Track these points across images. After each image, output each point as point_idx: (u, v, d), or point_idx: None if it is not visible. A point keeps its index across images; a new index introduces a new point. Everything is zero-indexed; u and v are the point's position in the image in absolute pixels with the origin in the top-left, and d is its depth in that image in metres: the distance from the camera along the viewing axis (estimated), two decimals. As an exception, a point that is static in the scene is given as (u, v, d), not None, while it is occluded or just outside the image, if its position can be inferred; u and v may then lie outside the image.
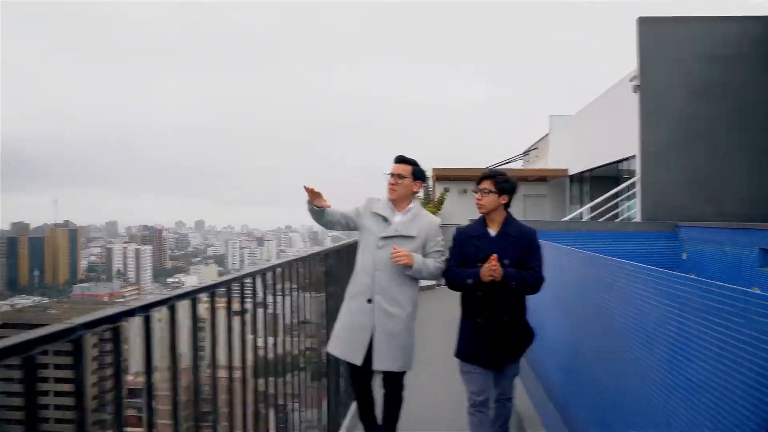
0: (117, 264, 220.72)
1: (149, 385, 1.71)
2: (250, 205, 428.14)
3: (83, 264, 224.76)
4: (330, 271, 4.60)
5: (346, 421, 4.93)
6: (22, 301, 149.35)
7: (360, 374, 4.12)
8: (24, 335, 1.30)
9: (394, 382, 4.12)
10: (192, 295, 2.08)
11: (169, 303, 1.90)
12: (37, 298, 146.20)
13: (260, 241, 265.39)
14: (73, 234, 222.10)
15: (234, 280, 2.48)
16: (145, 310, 1.78)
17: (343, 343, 4.02)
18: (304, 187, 4.02)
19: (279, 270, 3.22)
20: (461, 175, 19.98)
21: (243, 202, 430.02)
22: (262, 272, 2.90)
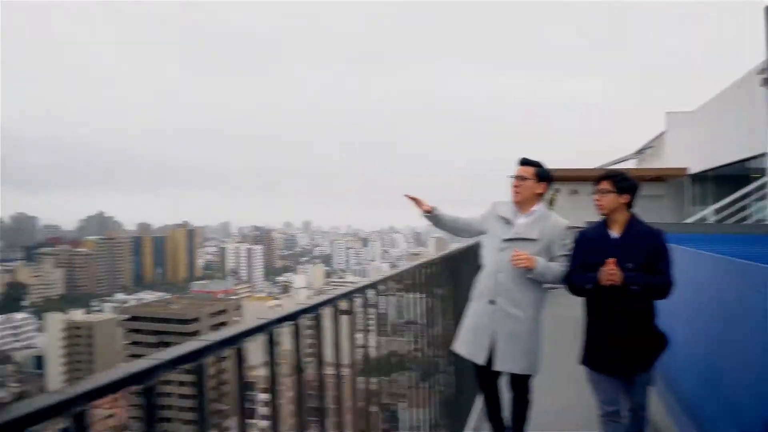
0: (230, 262, 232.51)
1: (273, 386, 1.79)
2: (356, 205, 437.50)
3: (200, 262, 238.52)
4: (455, 273, 4.71)
5: (473, 421, 5.01)
6: (147, 296, 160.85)
7: (485, 374, 4.18)
8: (195, 343, 1.44)
9: (520, 384, 4.14)
10: (331, 303, 2.30)
11: (314, 311, 2.09)
12: (160, 294, 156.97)
13: (365, 242, 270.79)
14: (191, 234, 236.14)
15: (361, 289, 2.57)
16: (295, 317, 1.94)
17: (468, 343, 4.12)
18: (406, 196, 4.19)
19: (400, 278, 3.27)
20: (571, 176, 19.35)
21: (348, 202, 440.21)
22: (386, 281, 2.92)
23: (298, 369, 1.92)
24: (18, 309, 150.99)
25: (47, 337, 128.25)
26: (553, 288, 4.19)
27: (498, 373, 4.15)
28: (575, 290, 3.77)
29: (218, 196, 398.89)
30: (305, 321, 1.99)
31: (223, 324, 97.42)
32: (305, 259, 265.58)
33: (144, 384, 1.22)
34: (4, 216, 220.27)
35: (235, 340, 1.58)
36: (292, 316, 1.92)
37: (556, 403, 5.44)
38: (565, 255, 3.93)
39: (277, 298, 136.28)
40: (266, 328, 1.73)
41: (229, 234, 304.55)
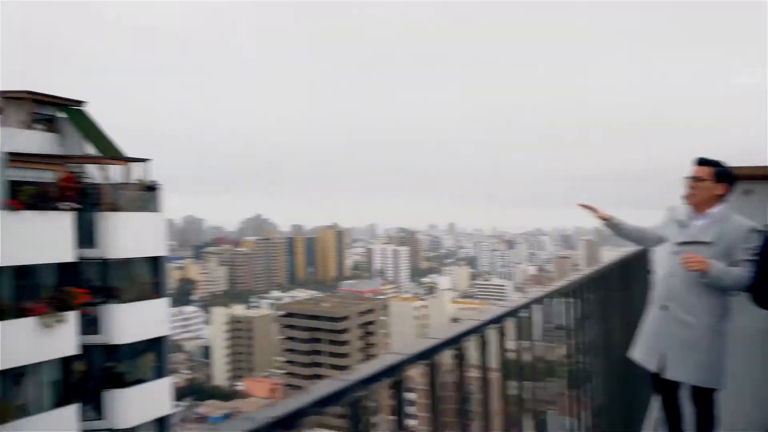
0: (377, 263, 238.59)
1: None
2: (501, 206, 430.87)
3: (348, 262, 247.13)
4: (626, 277, 4.71)
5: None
6: (300, 293, 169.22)
7: (662, 384, 4.03)
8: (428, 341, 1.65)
9: (701, 398, 3.87)
10: (513, 314, 2.37)
11: (499, 322, 2.20)
12: (312, 292, 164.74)
13: (510, 244, 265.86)
14: (340, 235, 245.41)
15: (539, 299, 2.61)
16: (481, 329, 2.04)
17: (642, 349, 4.04)
18: (580, 205, 4.29)
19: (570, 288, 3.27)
20: (742, 174, 17.74)
21: (493, 203, 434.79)
22: (559, 292, 2.96)
23: (483, 380, 2.00)
24: (188, 302, 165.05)
25: (213, 329, 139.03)
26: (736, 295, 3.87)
27: (677, 384, 3.95)
28: (761, 301, 3.46)
29: (365, 198, 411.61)
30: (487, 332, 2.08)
31: (371, 323, 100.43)
32: (450, 260, 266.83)
33: (395, 376, 1.35)
34: (177, 218, 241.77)
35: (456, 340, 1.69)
36: (478, 329, 1.99)
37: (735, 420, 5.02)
38: (749, 260, 3.61)
39: (422, 299, 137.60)
40: (458, 339, 1.82)
41: (376, 235, 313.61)
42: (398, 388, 1.43)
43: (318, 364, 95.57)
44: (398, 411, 1.47)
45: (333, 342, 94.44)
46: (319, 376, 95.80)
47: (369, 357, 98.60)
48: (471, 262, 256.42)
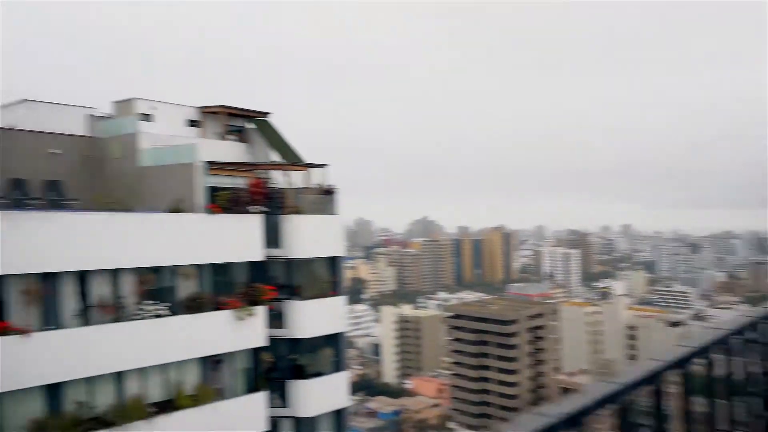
0: (546, 266, 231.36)
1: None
2: (683, 208, 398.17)
3: (516, 265, 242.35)
4: None
5: None
6: (467, 295, 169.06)
7: None
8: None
9: None
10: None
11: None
12: (479, 294, 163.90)
13: (694, 248, 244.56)
14: (507, 237, 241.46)
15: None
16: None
17: None
18: None
19: None
20: None
21: (676, 205, 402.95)
22: None
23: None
24: (358, 301, 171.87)
25: (382, 328, 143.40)
26: None
27: None
28: None
29: (532, 199, 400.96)
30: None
31: (540, 327, 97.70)
32: (625, 264, 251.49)
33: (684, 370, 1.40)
34: (348, 220, 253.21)
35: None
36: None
37: None
38: None
39: (595, 304, 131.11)
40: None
41: (544, 237, 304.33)
42: (658, 394, 1.43)
43: (486, 367, 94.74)
44: (658, 416, 1.47)
45: (501, 345, 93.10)
46: (486, 379, 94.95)
47: (539, 363, 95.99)
48: (649, 266, 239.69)
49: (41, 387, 14.34)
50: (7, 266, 13.85)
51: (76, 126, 20.85)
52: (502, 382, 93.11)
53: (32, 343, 14.00)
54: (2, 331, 13.65)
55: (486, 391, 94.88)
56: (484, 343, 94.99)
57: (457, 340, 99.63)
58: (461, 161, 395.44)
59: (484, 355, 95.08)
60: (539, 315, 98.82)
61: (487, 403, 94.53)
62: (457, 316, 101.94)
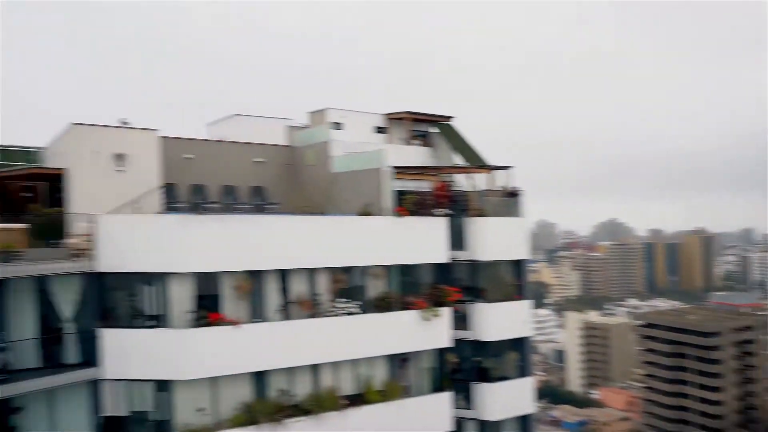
0: (755, 273, 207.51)
1: None
2: None
3: (718, 271, 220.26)
4: None
5: None
6: (661, 303, 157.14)
7: None
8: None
9: None
10: None
11: None
12: (674, 302, 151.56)
13: None
14: (707, 241, 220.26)
15: None
16: None
17: None
18: None
19: None
20: None
21: None
22: None
23: None
24: (541, 305, 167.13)
25: (567, 334, 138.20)
26: None
27: None
28: None
29: (737, 199, 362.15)
30: None
31: (749, 342, 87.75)
32: None
33: None
34: (530, 222, 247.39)
35: None
36: None
37: None
38: None
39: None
40: None
41: (752, 241, 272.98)
42: None
43: (683, 382, 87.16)
44: None
45: (702, 359, 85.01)
46: (684, 395, 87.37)
47: (748, 381, 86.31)
48: None
49: (250, 374, 15.82)
50: (222, 264, 15.50)
51: (277, 136, 22.74)
52: (703, 400, 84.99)
53: (242, 334, 15.50)
54: (218, 322, 15.29)
55: (684, 408, 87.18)
56: (682, 355, 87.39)
57: (650, 350, 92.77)
58: (655, 158, 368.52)
59: (682, 368, 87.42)
60: (748, 328, 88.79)
61: (685, 422, 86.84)
62: (650, 325, 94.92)
